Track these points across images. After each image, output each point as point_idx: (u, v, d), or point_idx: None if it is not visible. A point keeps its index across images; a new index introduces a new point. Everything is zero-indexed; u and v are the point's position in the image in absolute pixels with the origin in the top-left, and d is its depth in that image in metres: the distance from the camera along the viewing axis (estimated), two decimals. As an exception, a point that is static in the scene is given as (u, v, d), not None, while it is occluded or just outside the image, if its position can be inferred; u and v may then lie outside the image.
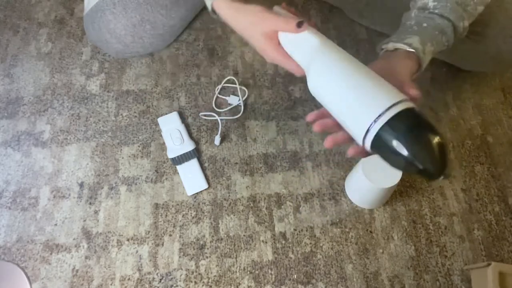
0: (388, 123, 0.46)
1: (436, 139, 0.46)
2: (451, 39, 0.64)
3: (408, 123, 0.46)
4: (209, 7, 0.66)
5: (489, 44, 0.77)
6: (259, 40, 0.63)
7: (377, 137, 0.46)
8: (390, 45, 0.61)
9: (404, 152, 0.45)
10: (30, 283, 0.70)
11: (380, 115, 0.46)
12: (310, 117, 0.57)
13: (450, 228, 0.75)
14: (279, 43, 0.62)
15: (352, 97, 0.49)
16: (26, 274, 0.71)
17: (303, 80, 0.90)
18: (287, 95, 0.87)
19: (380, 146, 0.47)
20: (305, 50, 0.59)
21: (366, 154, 0.52)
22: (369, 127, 0.47)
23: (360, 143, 0.49)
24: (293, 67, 0.62)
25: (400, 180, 0.67)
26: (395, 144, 0.46)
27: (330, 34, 0.96)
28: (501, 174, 0.80)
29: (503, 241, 0.74)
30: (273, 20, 0.61)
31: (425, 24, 0.63)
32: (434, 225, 0.75)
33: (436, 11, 0.64)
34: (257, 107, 0.87)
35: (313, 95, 0.56)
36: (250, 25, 0.63)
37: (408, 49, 0.60)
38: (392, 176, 0.68)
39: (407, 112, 0.46)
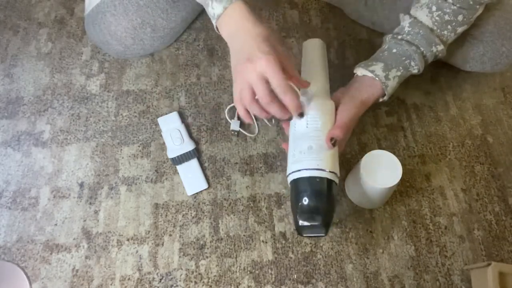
0: (299, 179, 0.61)
1: (309, 207, 0.60)
2: (420, 63, 0.69)
3: (313, 188, 0.60)
4: (217, 14, 0.63)
5: (488, 46, 0.78)
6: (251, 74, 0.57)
7: (292, 182, 0.62)
8: (359, 71, 0.70)
9: (296, 202, 0.61)
10: (30, 283, 0.70)
11: (300, 170, 0.61)
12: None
13: (450, 228, 0.75)
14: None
15: (292, 146, 0.64)
16: (26, 274, 0.71)
17: (303, 80, 0.90)
18: (287, 95, 0.87)
19: (291, 188, 0.63)
20: None
21: None
22: (290, 172, 0.62)
23: (287, 173, 0.64)
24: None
25: (400, 180, 0.67)
26: (293, 193, 0.62)
27: (330, 34, 0.96)
28: (501, 174, 0.80)
29: (503, 241, 0.74)
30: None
31: (394, 50, 0.70)
32: (434, 225, 0.75)
33: (408, 37, 0.69)
34: (257, 107, 0.87)
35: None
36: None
37: (371, 76, 0.68)
38: (392, 176, 0.68)
39: (320, 179, 0.60)
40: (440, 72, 0.90)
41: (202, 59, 0.93)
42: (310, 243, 0.73)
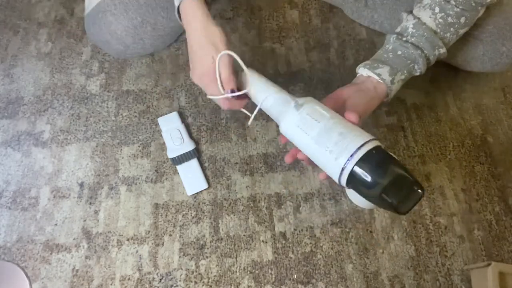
0: (360, 161, 0.52)
1: (400, 172, 0.52)
2: (423, 67, 0.69)
3: (377, 160, 0.52)
4: (176, 4, 0.65)
5: (488, 46, 0.78)
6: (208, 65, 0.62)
7: (351, 174, 0.53)
8: (364, 72, 0.68)
9: (375, 185, 0.52)
10: (30, 283, 0.70)
11: (352, 155, 0.52)
12: (288, 159, 0.64)
13: (450, 228, 0.75)
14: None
15: (321, 150, 0.56)
16: (26, 274, 0.71)
17: (303, 79, 0.90)
18: (287, 95, 0.87)
19: (354, 181, 0.53)
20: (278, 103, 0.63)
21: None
22: (344, 166, 0.53)
23: (336, 180, 0.55)
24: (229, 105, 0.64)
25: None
26: (367, 179, 0.52)
27: (330, 34, 0.96)
28: (501, 174, 0.80)
29: (503, 241, 0.74)
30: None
31: (399, 52, 0.69)
32: (434, 225, 0.75)
33: (413, 39, 0.69)
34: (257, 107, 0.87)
35: (285, 136, 0.62)
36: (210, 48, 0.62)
37: (378, 79, 0.67)
38: None
39: (375, 150, 0.53)
40: (440, 72, 0.90)
41: (202, 59, 0.92)
42: (310, 243, 0.73)
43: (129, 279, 0.71)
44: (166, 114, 0.85)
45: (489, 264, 0.64)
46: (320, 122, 0.57)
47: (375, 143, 0.53)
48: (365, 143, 0.53)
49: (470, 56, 0.80)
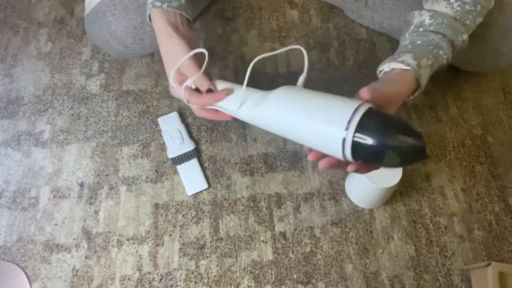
0: (359, 125, 0.47)
1: (404, 123, 0.48)
2: (449, 52, 0.64)
3: (377, 120, 0.47)
4: (148, 12, 0.67)
5: (489, 46, 0.78)
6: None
7: (355, 143, 0.47)
8: (386, 66, 0.62)
9: (387, 143, 0.46)
10: (30, 283, 0.70)
11: (349, 122, 0.47)
12: (311, 157, 0.55)
13: (450, 228, 0.75)
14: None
15: (315, 120, 0.51)
16: (26, 274, 0.71)
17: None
18: (287, 95, 0.87)
19: (361, 150, 0.48)
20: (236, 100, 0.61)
21: (340, 165, 0.52)
22: (344, 138, 0.47)
23: (340, 156, 0.49)
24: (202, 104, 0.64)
25: (400, 180, 0.67)
26: (374, 142, 0.46)
27: (330, 34, 0.96)
28: (501, 174, 0.80)
29: (503, 241, 0.74)
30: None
31: (419, 42, 0.64)
32: (434, 225, 0.75)
33: (432, 28, 0.65)
34: (257, 107, 0.87)
35: (264, 128, 0.58)
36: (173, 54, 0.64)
37: (403, 67, 0.60)
38: (392, 176, 0.68)
39: (369, 112, 0.48)
40: (440, 72, 0.90)
41: (202, 59, 0.93)
42: (310, 243, 0.73)
43: (129, 279, 0.71)
44: (166, 114, 0.85)
45: (489, 264, 0.64)
46: (302, 102, 0.53)
47: (367, 105, 0.49)
48: (357, 107, 0.48)
49: (471, 56, 0.80)
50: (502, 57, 0.79)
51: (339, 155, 0.50)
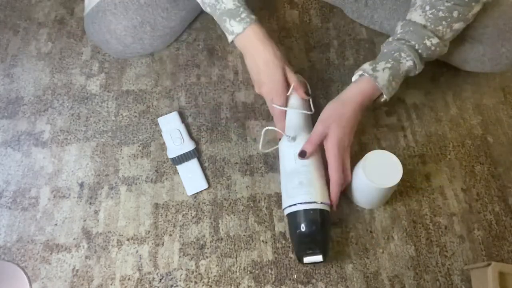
0: (293, 213, 0.68)
1: (306, 238, 0.67)
2: (413, 55, 0.70)
3: (300, 219, 0.67)
4: (235, 35, 0.75)
5: (488, 47, 0.78)
6: (278, 81, 0.75)
7: (288, 215, 0.69)
8: (353, 78, 0.74)
9: (292, 234, 0.69)
10: (30, 283, 0.70)
11: (295, 204, 0.67)
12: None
13: (450, 228, 0.75)
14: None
15: (285, 182, 0.72)
16: (26, 274, 0.71)
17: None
18: (287, 95, 0.87)
19: (289, 219, 0.70)
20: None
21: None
22: (285, 207, 0.69)
23: (283, 207, 0.70)
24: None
25: (400, 180, 0.67)
26: (292, 226, 0.69)
27: (330, 34, 0.96)
28: (501, 174, 0.80)
29: (503, 241, 0.74)
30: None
31: (385, 50, 0.72)
32: (434, 225, 0.75)
33: (398, 35, 0.71)
34: (257, 107, 0.87)
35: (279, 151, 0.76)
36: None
37: (359, 73, 0.71)
38: (392, 176, 0.68)
39: (312, 211, 0.67)
40: (440, 72, 0.90)
41: (202, 59, 0.93)
42: (310, 243, 0.73)
43: (129, 279, 0.71)
44: (166, 114, 0.85)
45: (489, 264, 0.64)
46: (296, 163, 0.70)
47: (317, 206, 0.67)
48: (310, 202, 0.66)
49: (470, 56, 0.80)
50: (501, 57, 0.79)
51: (283, 205, 0.71)
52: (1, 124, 0.85)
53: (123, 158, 0.81)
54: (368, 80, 0.70)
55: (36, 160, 0.81)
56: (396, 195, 0.77)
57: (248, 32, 0.73)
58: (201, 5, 0.77)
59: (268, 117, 0.85)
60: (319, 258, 0.66)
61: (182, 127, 0.83)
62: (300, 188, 0.68)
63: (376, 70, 0.69)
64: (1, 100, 0.88)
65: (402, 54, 0.70)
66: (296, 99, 0.78)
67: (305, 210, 0.66)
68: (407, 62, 0.70)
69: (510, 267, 0.65)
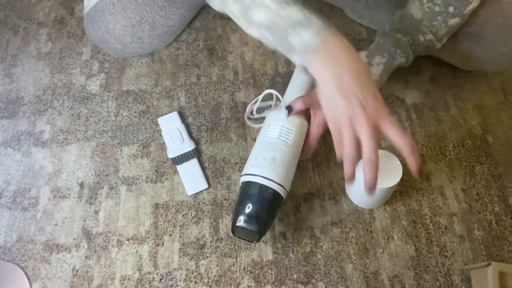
0: (245, 183, 0.66)
1: (246, 214, 0.63)
2: (408, 51, 0.70)
3: (254, 192, 0.65)
4: (309, 45, 0.55)
5: (488, 46, 0.77)
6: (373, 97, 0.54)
7: (244, 183, 0.67)
8: None
9: (238, 203, 0.65)
10: (30, 283, 0.70)
11: (248, 174, 0.65)
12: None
13: (450, 228, 0.75)
14: None
15: (258, 150, 0.68)
16: (26, 274, 0.71)
17: (303, 80, 0.90)
18: (287, 95, 0.87)
19: (242, 187, 0.67)
20: None
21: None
22: (245, 174, 0.67)
23: (242, 173, 0.67)
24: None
25: (400, 180, 0.67)
26: (241, 195, 0.66)
27: (330, 34, 0.96)
28: (501, 174, 0.80)
29: (503, 241, 0.74)
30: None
31: (381, 41, 0.72)
32: (434, 225, 0.75)
33: (395, 27, 0.71)
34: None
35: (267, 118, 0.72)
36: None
37: None
38: (392, 176, 0.68)
39: (269, 189, 0.64)
40: (440, 72, 0.90)
41: (202, 59, 0.93)
42: (310, 243, 0.73)
43: (129, 279, 0.71)
44: (166, 114, 0.85)
45: (489, 264, 0.64)
46: (278, 139, 0.67)
47: (277, 188, 0.64)
48: (274, 181, 0.64)
49: (470, 56, 0.80)
50: (501, 57, 0.79)
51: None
52: (1, 124, 0.85)
53: (123, 158, 0.81)
54: None
55: (36, 160, 0.81)
56: (396, 195, 0.77)
57: (326, 40, 0.56)
58: (263, 40, 0.60)
59: (268, 117, 0.85)
60: (253, 238, 0.65)
61: (182, 127, 0.83)
62: (271, 163, 0.65)
63: (371, 65, 0.69)
64: (1, 100, 0.88)
65: (398, 51, 0.70)
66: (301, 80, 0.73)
67: (264, 186, 0.64)
68: (401, 59, 0.70)
69: (510, 267, 0.65)
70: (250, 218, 0.63)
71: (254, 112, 0.73)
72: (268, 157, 0.65)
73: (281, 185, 0.64)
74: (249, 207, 0.63)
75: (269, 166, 0.65)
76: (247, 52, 0.93)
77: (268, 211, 0.65)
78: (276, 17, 0.55)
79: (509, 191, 0.79)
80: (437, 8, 0.69)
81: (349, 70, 0.53)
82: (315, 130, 0.69)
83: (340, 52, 0.54)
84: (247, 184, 0.66)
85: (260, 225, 0.64)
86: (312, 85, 0.73)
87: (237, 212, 0.64)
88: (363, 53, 0.70)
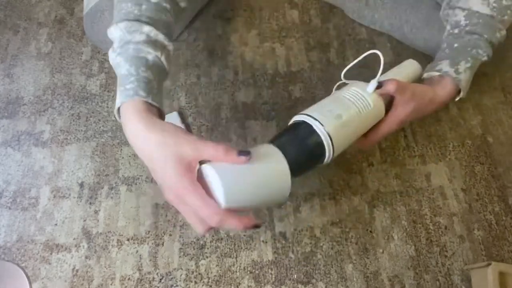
0: (305, 123, 0.58)
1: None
2: (489, 50, 0.66)
3: (305, 135, 0.57)
4: (116, 106, 0.55)
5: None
6: (171, 168, 0.48)
7: (299, 122, 0.59)
8: (426, 75, 0.68)
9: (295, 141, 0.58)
10: (30, 283, 0.70)
11: (318, 121, 0.58)
12: None
13: (450, 228, 0.75)
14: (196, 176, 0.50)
15: (328, 102, 0.62)
16: (26, 274, 0.71)
17: (303, 79, 0.90)
18: (287, 95, 0.87)
19: (296, 124, 0.59)
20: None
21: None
22: (305, 114, 0.59)
23: (302, 112, 0.60)
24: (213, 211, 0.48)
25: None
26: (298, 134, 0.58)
27: (330, 34, 0.96)
28: (501, 174, 0.80)
29: (503, 241, 0.74)
30: (199, 145, 0.49)
31: (456, 45, 0.67)
32: (434, 225, 0.75)
33: (467, 28, 0.66)
34: (257, 107, 0.87)
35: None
36: (163, 146, 0.50)
37: (435, 73, 0.66)
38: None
39: (319, 137, 0.57)
40: (440, 72, 0.90)
41: (202, 59, 0.93)
42: (310, 243, 0.73)
43: (129, 279, 0.71)
44: (166, 114, 0.85)
45: (489, 264, 0.64)
46: (354, 104, 0.61)
47: (328, 143, 0.57)
48: (329, 134, 0.57)
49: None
50: (502, 56, 0.78)
51: None
52: (1, 124, 0.85)
53: (123, 158, 0.81)
54: (451, 82, 0.66)
55: (36, 160, 0.81)
56: (396, 195, 0.77)
57: (125, 107, 0.55)
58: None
59: (268, 117, 0.85)
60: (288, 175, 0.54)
61: (182, 127, 0.83)
62: (336, 118, 0.58)
63: (459, 73, 0.66)
64: (1, 100, 0.88)
65: (480, 51, 0.66)
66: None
67: (316, 133, 0.56)
68: (483, 58, 0.67)
69: (510, 267, 0.65)
70: (305, 163, 0.56)
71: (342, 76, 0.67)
72: (335, 112, 0.59)
73: (332, 145, 0.57)
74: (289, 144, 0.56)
75: (332, 119, 0.58)
76: (247, 52, 0.93)
77: (306, 161, 0.57)
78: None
79: (509, 191, 0.79)
80: (504, 2, 0.64)
81: (158, 130, 0.52)
82: (388, 126, 0.64)
83: (135, 121, 0.53)
84: (298, 123, 0.58)
85: (303, 169, 0.57)
86: (418, 78, 0.70)
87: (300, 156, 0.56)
88: (444, 62, 0.66)
